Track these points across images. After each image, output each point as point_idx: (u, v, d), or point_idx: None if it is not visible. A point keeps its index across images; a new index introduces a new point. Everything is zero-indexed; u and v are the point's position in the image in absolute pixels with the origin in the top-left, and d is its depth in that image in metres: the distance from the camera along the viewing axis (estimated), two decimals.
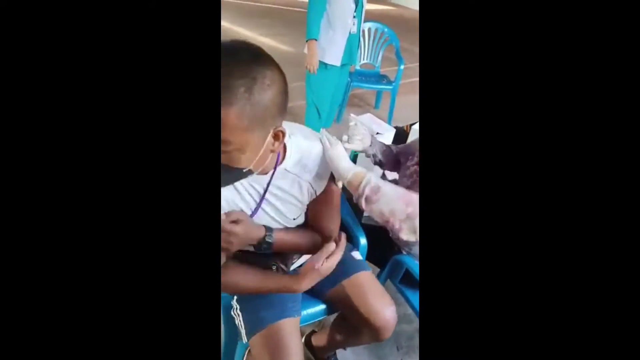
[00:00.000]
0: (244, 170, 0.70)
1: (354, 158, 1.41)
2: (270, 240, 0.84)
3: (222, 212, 0.78)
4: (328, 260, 0.78)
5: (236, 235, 0.77)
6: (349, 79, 2.74)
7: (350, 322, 1.03)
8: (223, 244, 0.77)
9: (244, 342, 0.93)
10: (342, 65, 2.09)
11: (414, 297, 1.16)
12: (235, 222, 0.78)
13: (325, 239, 0.92)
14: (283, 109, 0.68)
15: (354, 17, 1.97)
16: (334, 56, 2.02)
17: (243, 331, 0.92)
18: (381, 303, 0.95)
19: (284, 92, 0.66)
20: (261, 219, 0.85)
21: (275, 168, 0.79)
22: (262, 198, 0.82)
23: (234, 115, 0.59)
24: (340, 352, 1.31)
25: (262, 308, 0.91)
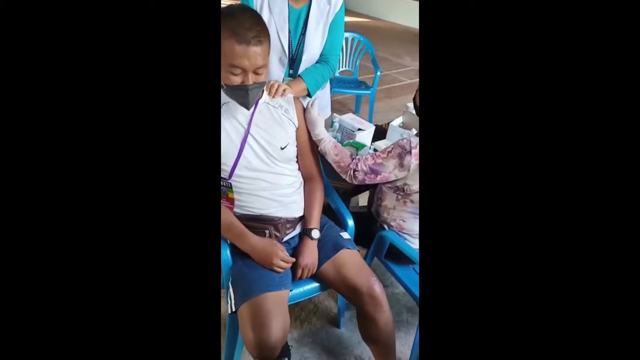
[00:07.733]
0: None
1: None
2: None
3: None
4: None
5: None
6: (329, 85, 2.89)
7: (350, 299, 1.09)
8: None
9: (231, 311, 0.99)
10: None
11: (399, 270, 1.28)
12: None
13: (306, 171, 1.18)
14: None
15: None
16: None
17: (232, 302, 1.00)
18: (365, 273, 1.07)
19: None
20: (250, 148, 1.06)
21: (257, 103, 1.06)
22: (247, 130, 1.06)
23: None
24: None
25: (251, 281, 1.00)
